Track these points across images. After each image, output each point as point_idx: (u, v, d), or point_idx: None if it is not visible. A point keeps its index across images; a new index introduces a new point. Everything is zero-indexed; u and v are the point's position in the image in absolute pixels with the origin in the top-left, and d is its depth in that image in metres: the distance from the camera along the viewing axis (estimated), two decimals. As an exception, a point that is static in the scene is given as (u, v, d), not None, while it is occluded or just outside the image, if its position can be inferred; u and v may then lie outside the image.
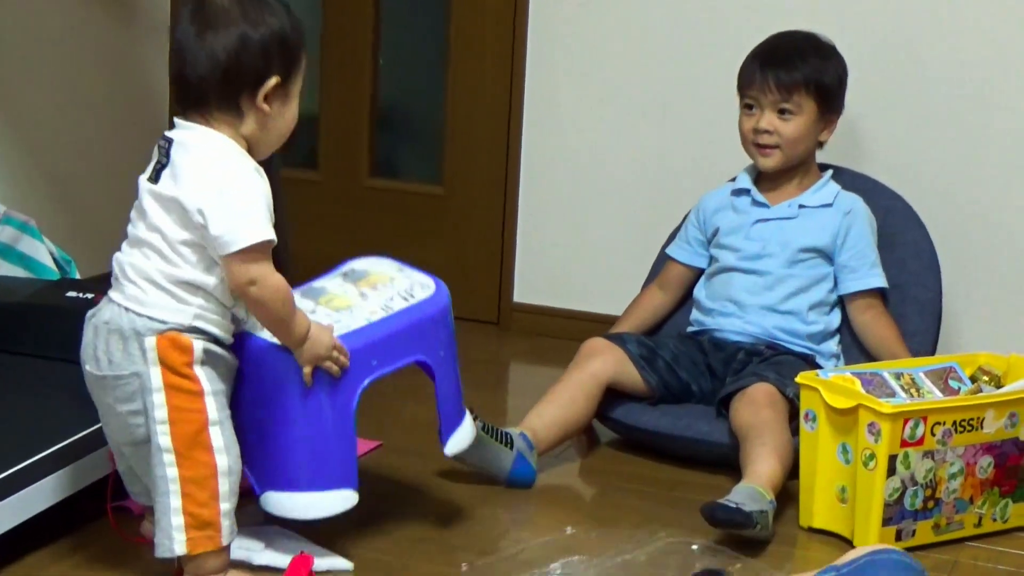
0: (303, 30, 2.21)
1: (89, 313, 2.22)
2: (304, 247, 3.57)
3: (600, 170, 3.76)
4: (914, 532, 2.59)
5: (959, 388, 2.73)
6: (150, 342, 2.13)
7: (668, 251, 3.28)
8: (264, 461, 2.28)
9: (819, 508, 2.64)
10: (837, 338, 3.12)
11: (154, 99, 2.19)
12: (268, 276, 2.13)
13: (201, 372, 2.15)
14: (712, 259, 3.19)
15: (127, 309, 2.14)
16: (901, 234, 3.21)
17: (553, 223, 3.83)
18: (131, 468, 2.26)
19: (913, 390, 2.66)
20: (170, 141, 2.16)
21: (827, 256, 3.09)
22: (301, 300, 2.33)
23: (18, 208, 3.22)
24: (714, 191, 3.24)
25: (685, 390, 3.06)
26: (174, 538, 2.14)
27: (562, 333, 3.76)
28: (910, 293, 3.15)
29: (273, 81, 2.15)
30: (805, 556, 2.58)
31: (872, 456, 2.51)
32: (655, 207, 3.63)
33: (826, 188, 3.14)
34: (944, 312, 3.21)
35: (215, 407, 2.15)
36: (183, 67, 2.14)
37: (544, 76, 3.78)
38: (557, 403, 2.93)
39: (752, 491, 2.58)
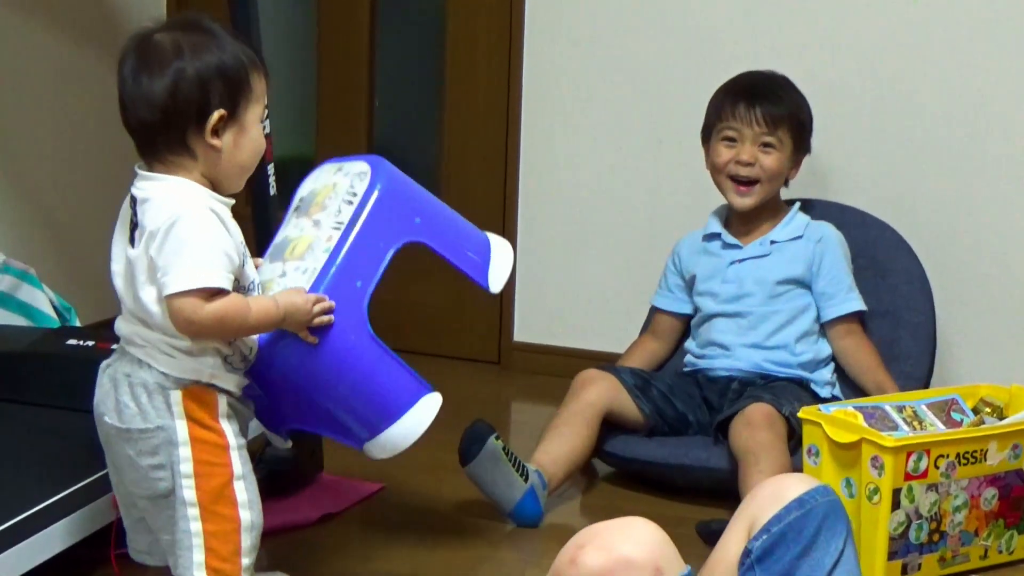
0: (252, 57, 2.12)
1: (104, 363, 2.18)
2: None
3: (597, 208, 3.76)
4: (920, 566, 2.58)
5: (962, 420, 2.73)
6: (176, 396, 2.10)
7: (653, 301, 3.30)
8: (343, 424, 2.27)
9: None
10: (831, 366, 3.12)
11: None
12: (198, 310, 2.04)
13: (227, 426, 2.13)
14: (696, 308, 3.19)
15: (149, 365, 2.11)
16: (892, 261, 3.23)
17: (551, 261, 3.83)
18: (139, 523, 2.22)
19: (916, 423, 2.66)
20: (135, 201, 2.11)
21: (805, 285, 3.10)
22: (270, 266, 2.29)
23: (17, 256, 3.22)
24: (687, 236, 3.25)
25: (681, 420, 3.06)
26: None
27: (563, 371, 3.74)
28: (903, 318, 3.17)
29: (217, 115, 2.07)
30: None
31: (876, 490, 2.51)
32: (652, 244, 3.63)
33: (795, 221, 3.15)
34: (942, 343, 3.22)
35: (239, 461, 2.13)
36: (125, 113, 2.09)
37: (539, 116, 3.79)
38: (561, 438, 2.93)
39: None
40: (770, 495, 1.84)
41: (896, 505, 2.51)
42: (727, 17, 3.56)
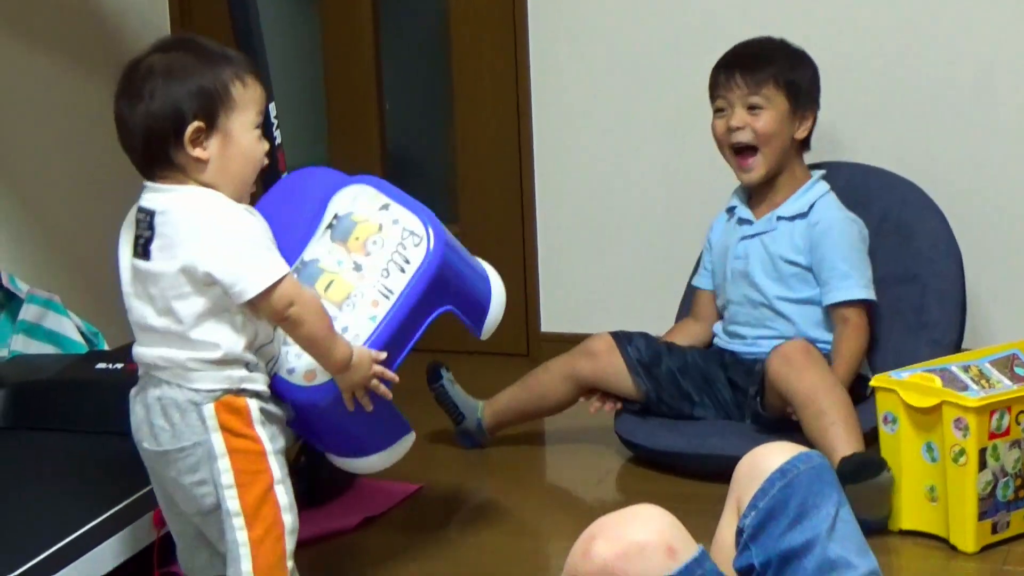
0: (238, 64, 2.15)
1: (133, 391, 2.20)
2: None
3: (614, 194, 3.76)
4: (1008, 523, 2.56)
5: None
6: (208, 410, 2.11)
7: (693, 282, 3.29)
8: (332, 445, 2.37)
9: (908, 509, 2.61)
10: None
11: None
12: (301, 292, 2.12)
13: (262, 431, 2.14)
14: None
15: (178, 385, 2.13)
16: (918, 223, 3.17)
17: (572, 252, 3.83)
18: (195, 540, 2.24)
19: (984, 381, 2.61)
20: (150, 213, 2.13)
21: (810, 270, 3.05)
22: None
23: (40, 285, 3.23)
24: (721, 213, 3.23)
25: (685, 399, 3.07)
26: None
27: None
28: (930, 284, 3.12)
29: (192, 127, 2.09)
30: (898, 561, 2.56)
31: (962, 452, 2.49)
32: (672, 226, 3.62)
33: (807, 195, 3.07)
34: (972, 303, 3.19)
35: (277, 466, 2.14)
36: (119, 137, 2.15)
37: (549, 108, 3.78)
38: (526, 395, 3.16)
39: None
40: (748, 470, 1.81)
41: (983, 465, 2.49)
42: (733, -3, 3.56)
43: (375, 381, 2.22)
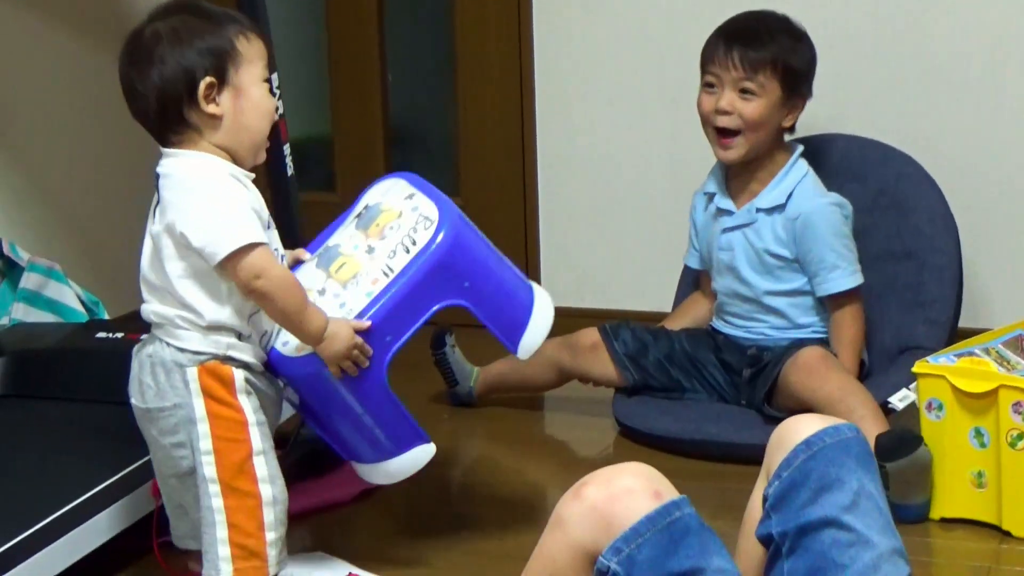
0: (239, 21, 2.19)
1: (136, 347, 2.23)
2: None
3: (617, 168, 3.75)
4: None
5: None
6: (192, 373, 2.14)
7: (686, 261, 3.25)
8: (344, 442, 2.34)
9: (952, 497, 2.58)
10: None
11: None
12: (272, 266, 2.12)
13: (245, 401, 2.16)
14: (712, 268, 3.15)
15: (167, 343, 2.16)
16: (915, 198, 3.14)
17: (575, 224, 3.83)
18: (179, 508, 2.26)
19: (1005, 364, 2.59)
20: (158, 176, 2.18)
21: (796, 260, 3.00)
22: (315, 271, 2.32)
23: (41, 254, 3.23)
24: (699, 191, 3.17)
25: (675, 386, 3.08)
26: (221, 569, 2.15)
27: (592, 334, 3.76)
28: (927, 260, 3.09)
29: (204, 83, 2.13)
30: (948, 546, 2.55)
31: (1021, 436, 2.46)
32: (674, 201, 3.61)
33: (784, 183, 2.99)
34: (970, 282, 3.18)
35: (259, 437, 2.16)
36: (130, 107, 2.18)
37: (553, 80, 3.77)
38: (515, 376, 3.18)
39: None
40: (778, 440, 1.84)
41: None
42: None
43: (356, 352, 2.20)
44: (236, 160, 2.19)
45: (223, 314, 2.14)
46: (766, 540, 1.79)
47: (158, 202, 2.18)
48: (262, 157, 2.23)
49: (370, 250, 2.30)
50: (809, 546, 1.74)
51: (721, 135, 2.98)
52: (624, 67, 3.69)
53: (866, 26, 3.44)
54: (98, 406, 2.58)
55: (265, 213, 2.19)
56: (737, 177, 3.05)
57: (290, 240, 2.36)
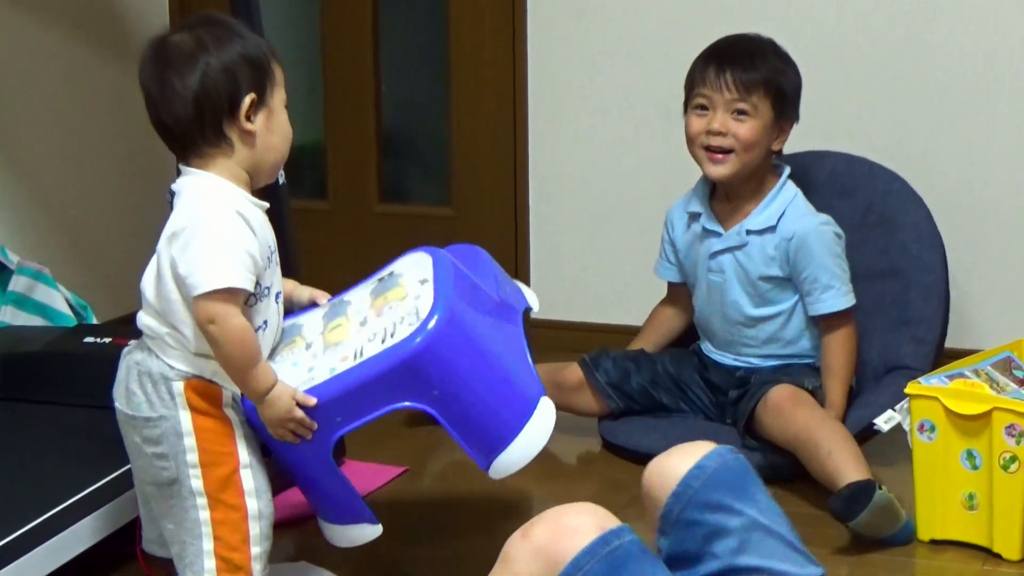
0: (269, 46, 2.19)
1: (125, 350, 2.21)
2: (317, 277, 3.55)
3: (609, 180, 3.76)
4: None
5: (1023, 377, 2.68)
6: (178, 387, 2.12)
7: (658, 272, 3.23)
8: (308, 495, 2.30)
9: (942, 518, 2.58)
10: None
11: (157, 139, 2.18)
12: (230, 318, 2.06)
13: (232, 414, 2.15)
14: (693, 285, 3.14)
15: (156, 356, 2.14)
16: (902, 215, 3.14)
17: (565, 236, 3.83)
18: (152, 515, 2.24)
19: (995, 385, 2.60)
20: (173, 193, 2.15)
21: (788, 279, 2.99)
22: (318, 320, 2.28)
23: (31, 257, 3.23)
24: (676, 205, 3.15)
25: (660, 409, 3.09)
26: None
27: (582, 347, 3.74)
28: (913, 278, 3.09)
29: (249, 99, 2.12)
30: (935, 570, 2.55)
31: (1013, 458, 2.46)
32: (666, 211, 3.62)
33: (774, 204, 2.98)
34: (957, 302, 3.18)
35: (246, 450, 2.15)
36: (158, 113, 2.12)
37: (546, 91, 3.78)
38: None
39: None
40: (649, 486, 1.87)
41: None
42: (731, -17, 3.55)
43: (292, 424, 2.13)
44: (254, 179, 2.17)
45: (206, 345, 2.12)
46: None
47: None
48: (275, 175, 2.22)
49: (364, 322, 2.23)
50: None
51: (712, 151, 2.97)
52: (617, 78, 3.70)
53: (856, 43, 3.45)
54: (85, 411, 2.57)
55: (268, 250, 2.15)
56: (724, 199, 3.05)
57: (281, 249, 2.33)
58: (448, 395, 2.12)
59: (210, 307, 2.05)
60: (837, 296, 2.95)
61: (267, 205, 2.18)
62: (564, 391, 3.08)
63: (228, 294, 2.06)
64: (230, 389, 2.15)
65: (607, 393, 3.07)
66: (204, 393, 2.13)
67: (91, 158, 3.76)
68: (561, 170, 3.81)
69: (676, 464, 1.84)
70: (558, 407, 3.00)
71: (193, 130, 2.12)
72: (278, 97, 2.18)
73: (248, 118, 2.12)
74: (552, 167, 3.82)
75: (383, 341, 2.14)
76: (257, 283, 2.12)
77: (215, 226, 2.08)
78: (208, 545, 2.12)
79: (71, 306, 3.17)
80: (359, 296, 2.32)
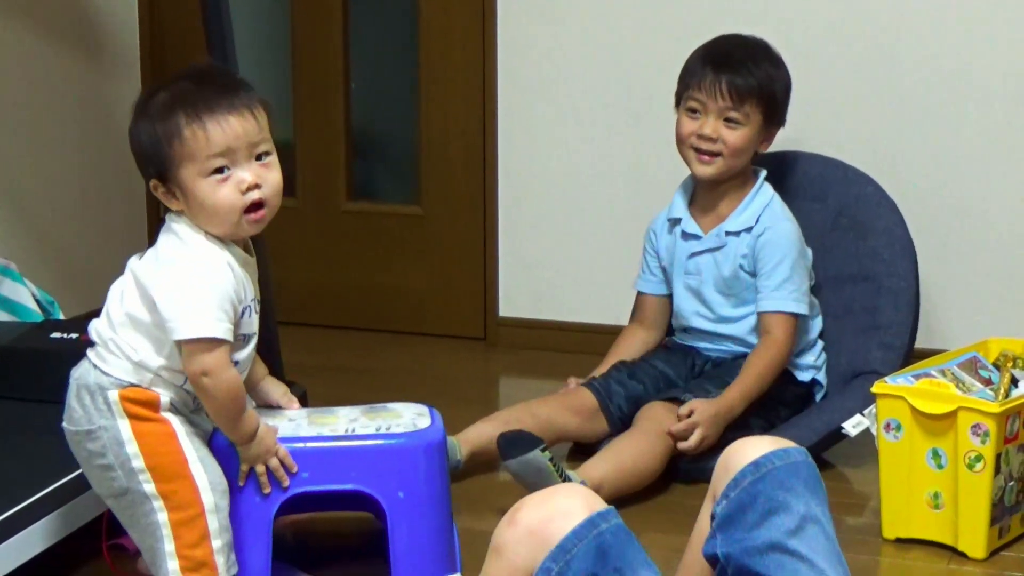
0: (193, 108, 2.09)
1: (72, 369, 2.21)
2: (286, 275, 3.56)
3: (578, 181, 3.76)
4: (1009, 527, 2.57)
5: (990, 377, 2.69)
6: (113, 395, 2.13)
7: (636, 286, 3.22)
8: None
9: (907, 517, 2.59)
10: (816, 349, 3.08)
11: (125, 136, 2.18)
12: (222, 370, 2.09)
13: (171, 416, 2.15)
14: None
15: (95, 366, 2.15)
16: (874, 220, 3.15)
17: (534, 235, 3.83)
18: None
19: (961, 385, 2.62)
20: (163, 222, 2.18)
21: (753, 273, 3.01)
22: (298, 412, 2.33)
23: (-3, 252, 3.21)
24: (659, 215, 3.17)
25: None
26: None
27: (550, 345, 3.76)
28: (884, 284, 3.10)
29: (152, 183, 2.15)
30: (900, 569, 2.56)
31: (979, 458, 2.48)
32: (634, 216, 3.62)
33: (753, 205, 3.02)
34: (925, 303, 3.19)
35: (191, 447, 2.15)
36: None
37: (516, 91, 3.78)
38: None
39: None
40: (725, 461, 1.85)
41: (997, 470, 2.48)
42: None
43: (274, 461, 2.18)
44: (224, 234, 2.15)
45: (155, 362, 2.13)
46: (711, 559, 1.80)
47: (153, 245, 2.17)
48: (249, 231, 2.16)
49: (355, 420, 2.30)
50: (753, 569, 1.75)
51: (700, 152, 3.00)
52: (587, 81, 3.70)
53: (831, 47, 3.47)
54: (50, 407, 2.54)
55: (249, 297, 2.16)
56: (703, 200, 3.07)
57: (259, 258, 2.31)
58: (408, 505, 2.21)
59: (200, 360, 2.08)
60: (787, 298, 2.96)
61: (253, 257, 2.19)
62: (584, 420, 3.00)
63: (211, 344, 2.08)
64: (168, 394, 2.15)
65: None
66: (139, 400, 2.13)
67: (58, 154, 3.74)
68: (530, 170, 3.81)
69: (762, 444, 1.85)
70: (571, 434, 2.99)
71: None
72: (186, 171, 2.10)
73: (168, 198, 2.14)
74: (521, 167, 3.82)
75: (378, 429, 2.25)
76: (236, 329, 2.12)
77: (201, 270, 2.10)
78: (169, 546, 2.12)
79: (38, 301, 3.15)
80: (348, 409, 2.37)
